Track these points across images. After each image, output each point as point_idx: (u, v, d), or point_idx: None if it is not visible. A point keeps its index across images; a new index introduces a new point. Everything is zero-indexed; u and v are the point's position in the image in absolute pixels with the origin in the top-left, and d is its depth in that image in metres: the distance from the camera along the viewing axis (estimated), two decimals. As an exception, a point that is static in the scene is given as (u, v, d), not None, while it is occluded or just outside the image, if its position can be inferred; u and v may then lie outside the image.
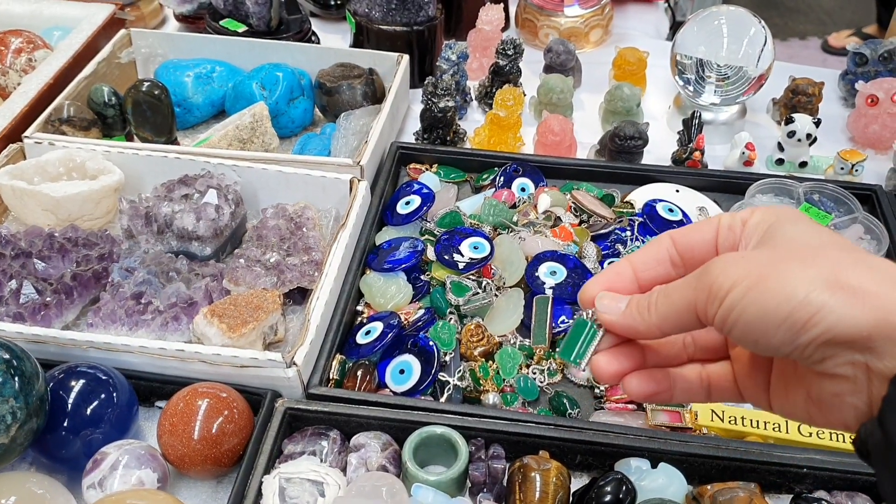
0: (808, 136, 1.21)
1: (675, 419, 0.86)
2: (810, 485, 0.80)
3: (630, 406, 0.89)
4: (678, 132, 1.27)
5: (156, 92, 1.15)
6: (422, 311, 0.97)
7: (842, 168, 1.21)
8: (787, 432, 0.84)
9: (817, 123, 1.21)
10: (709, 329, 0.46)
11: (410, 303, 0.99)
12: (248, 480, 0.77)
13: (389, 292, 0.98)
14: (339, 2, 1.59)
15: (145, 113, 1.16)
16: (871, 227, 1.09)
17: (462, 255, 1.01)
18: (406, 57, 1.30)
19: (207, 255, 1.01)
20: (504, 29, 1.53)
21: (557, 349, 0.91)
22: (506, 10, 1.56)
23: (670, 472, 0.78)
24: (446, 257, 1.00)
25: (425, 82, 1.23)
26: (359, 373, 0.89)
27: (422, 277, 1.02)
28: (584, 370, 0.90)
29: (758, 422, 0.85)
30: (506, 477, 0.79)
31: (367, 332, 0.94)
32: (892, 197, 1.14)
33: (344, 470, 0.80)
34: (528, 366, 0.93)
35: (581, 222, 1.10)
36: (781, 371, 0.45)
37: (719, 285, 0.41)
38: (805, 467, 0.79)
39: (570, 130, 1.25)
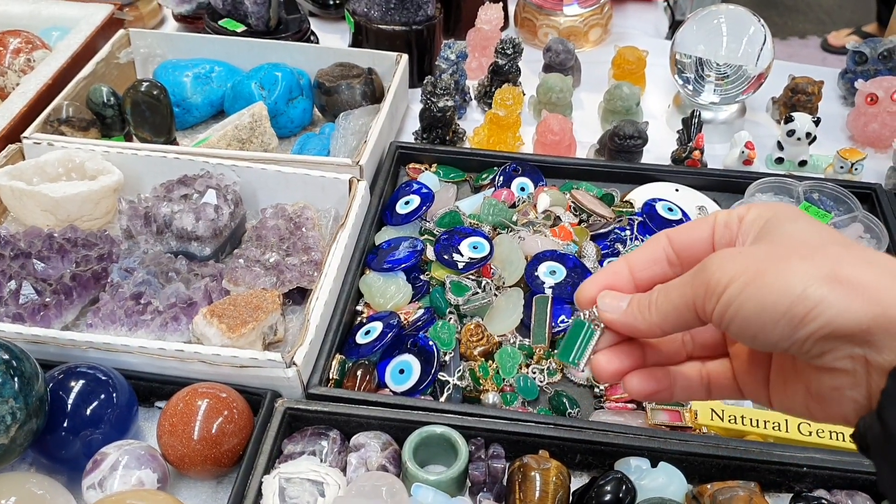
0: (808, 134, 1.21)
1: (675, 418, 0.86)
2: (810, 484, 0.80)
3: (630, 405, 0.89)
4: (678, 131, 1.27)
5: (155, 92, 1.15)
6: (421, 311, 0.97)
7: (841, 167, 1.21)
8: (786, 431, 0.84)
9: (817, 122, 1.21)
10: (707, 326, 0.46)
11: (410, 302, 0.99)
12: (247, 480, 0.77)
13: (389, 292, 0.98)
14: (337, 1, 1.59)
15: (144, 113, 1.16)
16: (871, 226, 1.09)
17: (461, 255, 1.01)
18: (405, 56, 1.30)
19: (207, 256, 1.01)
20: (503, 28, 1.53)
21: (556, 351, 0.92)
22: (505, 9, 1.56)
23: (670, 472, 0.78)
24: (446, 257, 1.00)
25: (424, 82, 1.23)
26: (358, 373, 0.89)
27: (421, 277, 1.02)
28: (583, 371, 0.90)
29: (757, 421, 0.85)
30: (506, 476, 0.79)
31: (367, 332, 0.94)
32: (891, 195, 1.14)
33: (344, 470, 0.80)
34: (527, 365, 0.93)
35: (580, 222, 1.10)
36: (780, 366, 0.45)
37: (717, 281, 0.41)
38: (805, 466, 0.79)
39: (570, 130, 1.25)
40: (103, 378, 0.81)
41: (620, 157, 1.21)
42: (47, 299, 0.92)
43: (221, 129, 1.19)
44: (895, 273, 0.38)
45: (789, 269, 0.39)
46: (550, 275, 1.00)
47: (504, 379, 0.91)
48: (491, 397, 0.89)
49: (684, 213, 1.11)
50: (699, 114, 1.23)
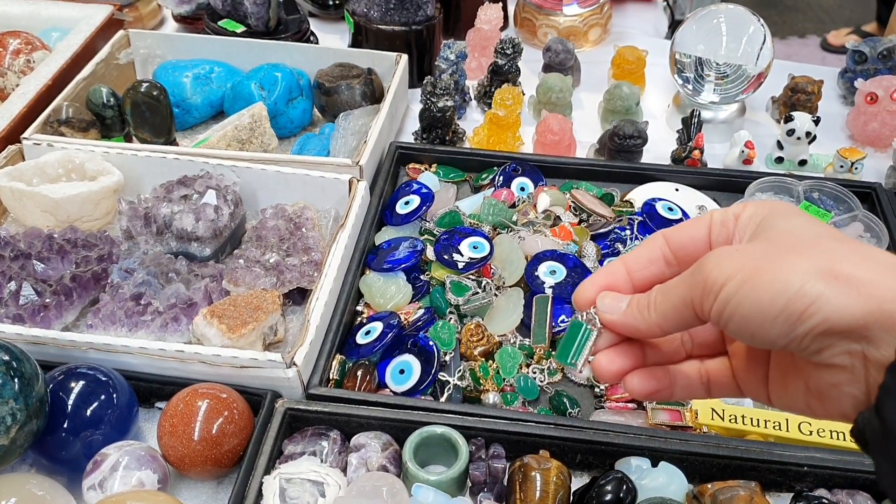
0: (808, 134, 1.21)
1: (676, 418, 0.86)
2: (811, 483, 0.80)
3: (630, 405, 0.89)
4: (677, 131, 1.27)
5: (154, 93, 1.15)
6: (421, 311, 0.97)
7: (841, 166, 1.21)
8: (787, 431, 0.84)
9: (817, 121, 1.21)
10: (706, 325, 0.46)
11: (410, 303, 0.99)
12: (248, 481, 0.77)
13: (389, 292, 0.98)
14: (337, 2, 1.59)
15: (144, 114, 1.16)
16: (871, 225, 1.09)
17: (461, 255, 1.01)
18: (405, 57, 1.30)
19: (207, 256, 1.01)
20: (503, 28, 1.53)
21: (553, 352, 0.92)
22: (504, 9, 1.56)
23: (671, 471, 0.78)
24: (446, 257, 1.00)
25: (424, 82, 1.23)
26: (359, 373, 0.89)
27: (421, 277, 1.02)
28: (580, 372, 0.90)
29: (758, 420, 0.85)
30: (506, 476, 0.79)
31: (367, 332, 0.94)
32: (891, 195, 1.14)
33: (344, 470, 0.80)
34: (528, 365, 0.93)
35: (580, 221, 1.10)
36: (779, 363, 0.45)
37: (713, 279, 0.41)
38: (806, 465, 0.79)
39: (570, 129, 1.25)
40: (103, 379, 0.81)
41: (620, 156, 1.21)
42: (47, 300, 0.92)
43: (221, 129, 1.19)
44: (892, 268, 0.38)
45: (786, 266, 0.39)
46: (550, 274, 1.00)
47: (504, 379, 0.91)
48: (491, 397, 0.89)
49: (684, 213, 1.11)
50: (699, 113, 1.23)
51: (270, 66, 1.27)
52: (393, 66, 1.29)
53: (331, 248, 0.97)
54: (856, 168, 1.21)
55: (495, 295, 0.99)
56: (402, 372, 0.90)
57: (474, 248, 1.01)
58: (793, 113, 1.22)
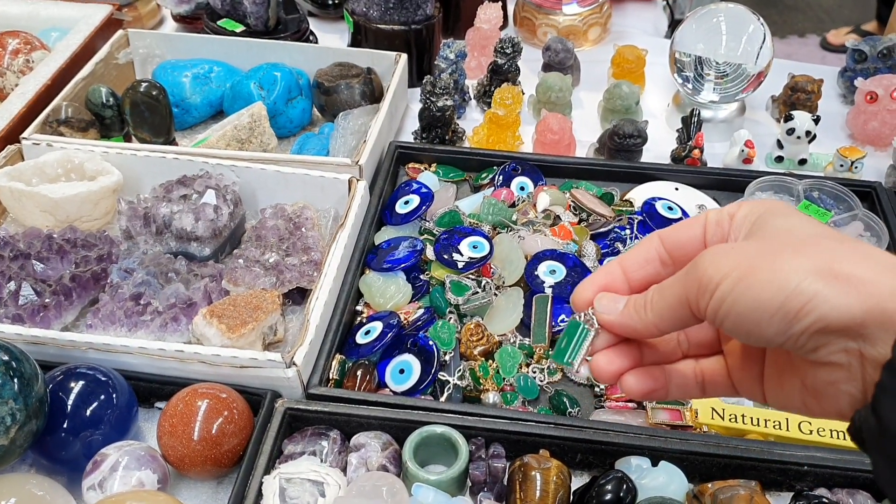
0: (808, 133, 1.21)
1: (676, 417, 0.86)
2: (811, 482, 0.80)
3: (630, 404, 0.89)
4: (677, 130, 1.27)
5: (154, 92, 1.15)
6: (421, 311, 0.97)
7: (841, 165, 1.21)
8: (787, 430, 0.84)
9: (816, 120, 1.21)
10: (701, 325, 0.46)
11: (410, 302, 0.99)
12: (248, 481, 0.77)
13: (389, 292, 0.98)
14: (336, 1, 1.58)
15: (143, 113, 1.15)
16: (871, 224, 1.09)
17: (461, 255, 1.01)
18: (404, 56, 1.30)
19: (206, 256, 1.01)
20: (502, 27, 1.53)
21: (550, 352, 0.91)
22: (504, 8, 1.56)
23: (671, 471, 0.78)
24: (445, 256, 1.00)
25: (424, 81, 1.23)
26: (358, 373, 0.89)
27: (421, 277, 1.02)
28: (577, 371, 0.90)
29: (758, 419, 0.85)
30: (506, 476, 0.79)
31: (367, 332, 0.94)
32: (891, 194, 1.14)
33: (344, 470, 0.80)
34: (527, 365, 0.93)
35: (580, 221, 1.10)
36: (774, 362, 0.45)
37: (709, 277, 0.41)
38: (806, 465, 0.79)
39: (569, 129, 1.25)
40: (103, 379, 0.81)
41: (620, 156, 1.21)
42: (47, 300, 0.92)
43: (220, 129, 1.19)
44: (888, 267, 0.38)
45: (782, 264, 0.39)
46: (550, 274, 0.99)
47: (504, 378, 0.91)
48: (491, 397, 0.89)
49: (684, 212, 1.11)
50: (699, 112, 1.23)
51: (270, 65, 1.27)
52: (392, 66, 1.29)
53: (330, 248, 0.97)
54: (856, 167, 1.21)
55: (495, 294, 0.99)
56: (401, 372, 0.90)
57: (474, 247, 1.01)
58: (793, 112, 1.22)
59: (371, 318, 0.97)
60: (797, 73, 1.34)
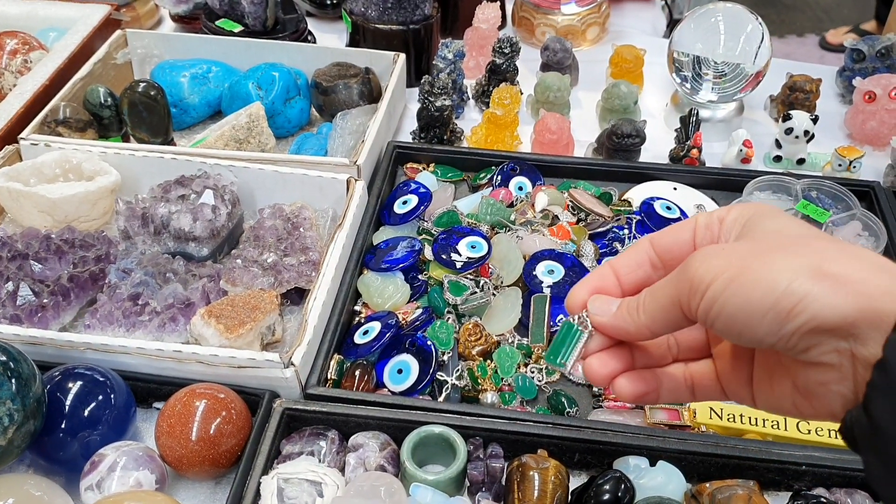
0: (806, 132, 1.21)
1: (674, 417, 0.86)
2: (809, 482, 0.80)
3: (628, 404, 0.88)
4: (676, 130, 1.27)
5: (152, 93, 1.15)
6: (419, 311, 0.97)
7: (839, 165, 1.21)
8: (785, 430, 0.84)
9: (815, 120, 1.21)
10: (690, 328, 0.47)
11: (408, 302, 0.99)
12: (246, 481, 0.77)
13: (387, 292, 0.98)
14: (335, 1, 1.58)
15: (141, 114, 1.15)
16: (869, 224, 1.09)
17: (459, 255, 1.01)
18: (402, 56, 1.30)
19: (204, 256, 1.01)
20: (501, 27, 1.53)
21: (543, 353, 0.91)
22: (502, 8, 1.56)
23: (669, 471, 0.78)
24: (444, 256, 1.00)
25: (422, 81, 1.23)
26: (357, 373, 0.89)
27: (419, 277, 1.02)
28: (570, 373, 0.90)
29: (756, 419, 0.85)
30: (504, 476, 0.79)
31: (365, 332, 0.94)
32: (889, 193, 1.14)
33: (342, 470, 0.80)
34: (526, 364, 0.93)
35: (579, 221, 1.10)
36: (764, 364, 0.45)
37: (699, 278, 0.41)
38: (804, 464, 0.79)
39: (568, 129, 1.24)
40: (101, 379, 0.81)
41: (618, 155, 1.21)
42: (45, 300, 0.92)
43: (219, 129, 1.19)
44: (879, 267, 0.38)
45: (773, 264, 0.39)
46: (548, 274, 0.99)
47: (502, 378, 0.91)
48: (489, 397, 0.89)
49: (682, 212, 1.11)
50: (697, 112, 1.23)
51: (268, 65, 1.27)
52: (391, 66, 1.29)
53: (328, 248, 0.97)
54: (854, 167, 1.21)
55: (493, 294, 0.99)
56: (400, 372, 0.90)
57: (472, 247, 1.01)
58: (791, 111, 1.22)
59: (369, 318, 0.96)
60: (795, 73, 1.34)
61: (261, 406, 0.82)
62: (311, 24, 1.50)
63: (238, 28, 1.39)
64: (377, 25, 1.37)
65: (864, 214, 1.10)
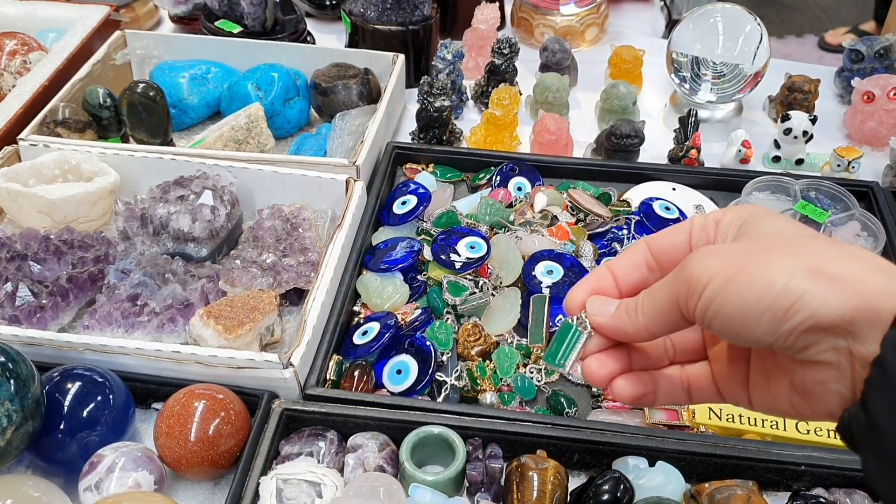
0: (805, 133, 1.21)
1: (673, 417, 0.86)
2: (808, 482, 0.80)
3: (627, 405, 0.88)
4: (674, 130, 1.27)
5: (151, 93, 1.15)
6: (419, 311, 0.97)
7: (838, 165, 1.21)
8: (784, 430, 0.84)
9: (813, 120, 1.21)
10: (687, 331, 0.47)
11: (407, 303, 0.99)
12: (245, 482, 0.77)
13: (386, 292, 0.98)
14: (334, 2, 1.59)
15: (140, 114, 1.15)
16: (868, 224, 1.09)
17: (459, 255, 1.01)
18: (401, 56, 1.30)
19: (203, 257, 1.01)
20: (500, 28, 1.53)
21: (542, 353, 0.91)
22: (501, 8, 1.56)
23: (668, 471, 0.78)
24: (443, 257, 1.00)
25: (421, 82, 1.23)
26: (356, 373, 0.89)
27: (418, 277, 1.02)
28: (569, 373, 0.91)
29: (755, 419, 0.85)
30: (503, 476, 0.79)
31: (364, 333, 0.94)
32: (888, 193, 1.14)
33: (341, 470, 0.80)
34: (525, 365, 0.93)
35: (578, 221, 1.10)
36: (761, 364, 0.45)
37: (697, 278, 0.41)
38: (803, 465, 0.79)
39: (567, 129, 1.25)
40: (100, 380, 0.81)
41: (617, 156, 1.21)
42: (44, 301, 0.92)
43: (218, 130, 1.19)
44: (877, 267, 0.38)
45: (770, 264, 0.39)
46: (547, 274, 0.99)
47: (501, 379, 0.91)
48: (488, 397, 0.89)
49: (681, 212, 1.11)
50: (696, 112, 1.23)
51: (267, 66, 1.27)
52: (390, 66, 1.29)
53: (327, 249, 0.97)
54: (853, 167, 1.21)
55: (492, 295, 0.99)
56: (399, 372, 0.90)
57: (471, 247, 1.01)
58: (790, 112, 1.22)
59: (368, 319, 0.96)
60: (794, 73, 1.34)
61: (260, 407, 0.82)
62: (311, 25, 1.50)
63: (237, 29, 1.39)
64: (376, 26, 1.37)
65: (863, 215, 1.10)
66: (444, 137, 1.26)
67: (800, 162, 1.24)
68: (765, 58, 1.27)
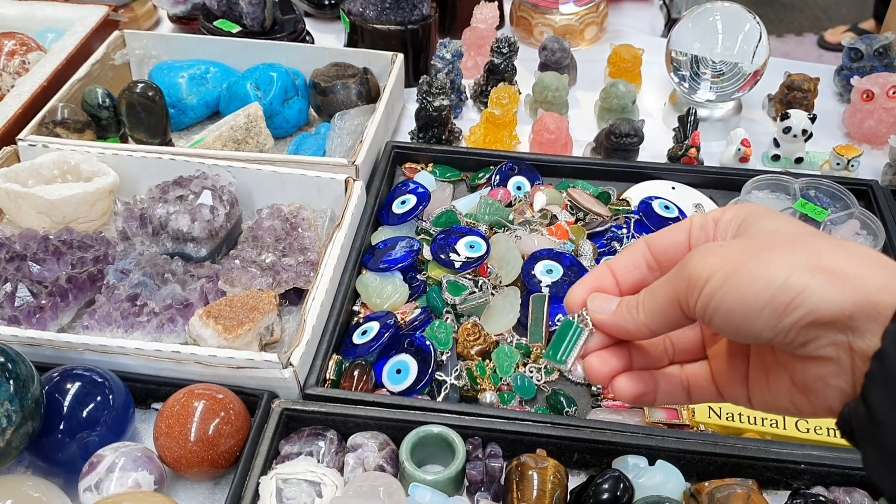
0: (804, 131, 1.21)
1: (673, 416, 0.86)
2: (808, 481, 0.80)
3: (627, 404, 0.88)
4: (674, 129, 1.27)
5: (150, 93, 1.15)
6: (418, 311, 0.97)
7: (838, 163, 1.21)
8: (784, 428, 0.84)
9: (813, 119, 1.21)
10: (685, 329, 0.47)
11: (407, 302, 0.99)
12: (245, 482, 0.77)
13: (386, 292, 0.98)
14: (333, 1, 1.58)
15: (139, 114, 1.15)
16: (868, 223, 1.09)
17: (458, 255, 1.00)
18: (400, 56, 1.30)
19: (203, 257, 1.01)
20: (499, 27, 1.53)
21: (542, 352, 0.91)
22: (500, 7, 1.56)
23: (668, 470, 0.78)
24: (442, 256, 1.00)
25: (420, 81, 1.23)
26: (355, 373, 0.89)
27: (418, 277, 1.02)
28: (570, 370, 0.91)
29: (755, 418, 0.85)
30: (503, 476, 0.79)
31: (364, 332, 0.94)
32: (887, 192, 1.14)
33: (341, 470, 0.80)
34: (524, 364, 0.93)
35: (577, 220, 1.10)
36: (761, 362, 0.45)
37: (697, 275, 0.41)
38: (803, 463, 0.79)
39: (566, 128, 1.24)
40: (99, 380, 0.81)
41: (617, 155, 1.21)
42: (43, 301, 0.92)
43: (217, 129, 1.19)
44: (876, 263, 0.39)
45: (770, 260, 0.39)
46: (547, 273, 0.99)
47: (501, 378, 0.91)
48: (488, 396, 0.89)
49: (681, 211, 1.11)
50: (695, 111, 1.23)
51: (266, 66, 1.27)
52: (389, 66, 1.29)
53: (327, 248, 0.97)
54: (852, 165, 1.21)
55: (492, 294, 0.99)
56: (398, 372, 0.90)
57: (471, 247, 1.01)
58: (789, 111, 1.22)
59: (368, 319, 0.96)
60: (793, 72, 1.34)
61: (259, 406, 0.82)
62: (309, 25, 1.50)
63: (236, 28, 1.39)
64: (375, 26, 1.37)
65: (863, 213, 1.10)
66: (444, 137, 1.25)
67: (799, 160, 1.24)
68: (764, 56, 1.27)
